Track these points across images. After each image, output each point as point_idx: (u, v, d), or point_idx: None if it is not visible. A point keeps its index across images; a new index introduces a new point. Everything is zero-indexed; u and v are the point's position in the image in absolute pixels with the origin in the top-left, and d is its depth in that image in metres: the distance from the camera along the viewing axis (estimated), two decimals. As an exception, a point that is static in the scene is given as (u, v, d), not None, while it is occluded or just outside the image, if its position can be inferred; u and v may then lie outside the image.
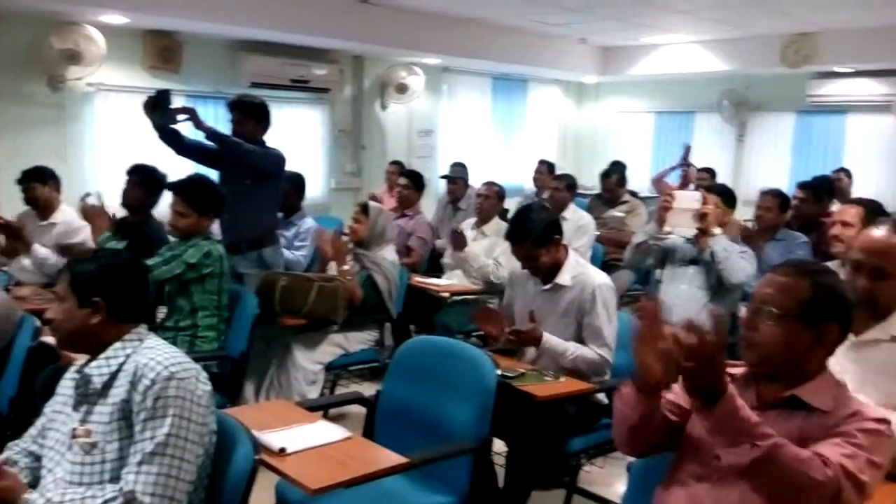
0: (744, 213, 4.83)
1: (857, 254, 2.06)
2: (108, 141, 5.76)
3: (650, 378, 1.55)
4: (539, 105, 9.16)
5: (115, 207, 3.94)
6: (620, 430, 1.70)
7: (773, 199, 4.25)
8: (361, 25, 6.33)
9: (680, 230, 3.72)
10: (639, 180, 7.29)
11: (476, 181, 5.78)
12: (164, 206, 3.99)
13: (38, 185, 4.20)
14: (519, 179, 8.39)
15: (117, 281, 1.80)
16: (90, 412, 1.72)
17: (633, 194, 6.28)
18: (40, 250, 3.88)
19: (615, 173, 5.99)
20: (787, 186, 6.14)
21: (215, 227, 3.76)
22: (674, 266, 3.80)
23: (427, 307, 4.47)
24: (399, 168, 6.30)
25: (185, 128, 3.85)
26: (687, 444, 1.65)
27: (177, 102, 3.97)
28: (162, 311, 3.35)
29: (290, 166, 4.23)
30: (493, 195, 4.86)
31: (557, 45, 7.99)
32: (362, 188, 7.25)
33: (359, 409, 2.65)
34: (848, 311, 1.61)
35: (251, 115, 3.94)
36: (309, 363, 3.64)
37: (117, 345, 1.76)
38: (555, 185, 5.51)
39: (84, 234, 4.04)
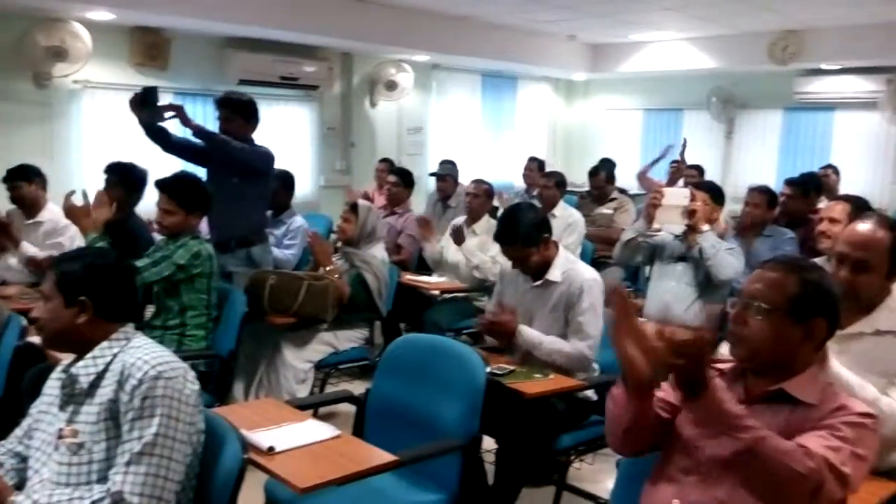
0: (732, 210, 4.85)
1: (841, 246, 2.09)
2: (94, 139, 5.72)
3: (636, 374, 1.55)
4: (529, 102, 9.17)
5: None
6: (615, 432, 1.71)
7: (761, 196, 4.27)
8: (351, 22, 6.31)
9: (669, 227, 3.73)
10: (628, 177, 7.31)
11: (466, 179, 5.78)
12: (149, 205, 3.98)
13: (24, 183, 4.17)
14: (509, 177, 8.39)
15: (104, 280, 1.79)
16: (77, 412, 1.71)
17: (622, 191, 6.30)
18: (28, 248, 3.85)
19: (603, 170, 6.00)
20: (774, 183, 6.19)
21: (203, 226, 3.74)
22: (662, 263, 3.82)
23: (417, 305, 4.47)
24: (389, 166, 6.29)
25: (173, 125, 3.82)
26: (675, 439, 1.66)
27: (164, 100, 3.95)
28: (150, 310, 3.33)
29: (279, 164, 4.22)
30: (483, 193, 4.86)
31: (547, 42, 8.00)
32: (352, 186, 7.23)
33: (348, 408, 2.65)
34: (836, 306, 1.63)
35: (239, 113, 3.91)
36: (298, 362, 3.63)
37: (104, 344, 1.75)
38: (544, 182, 5.52)
39: (70, 233, 4.01)
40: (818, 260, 2.46)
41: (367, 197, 5.82)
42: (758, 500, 1.46)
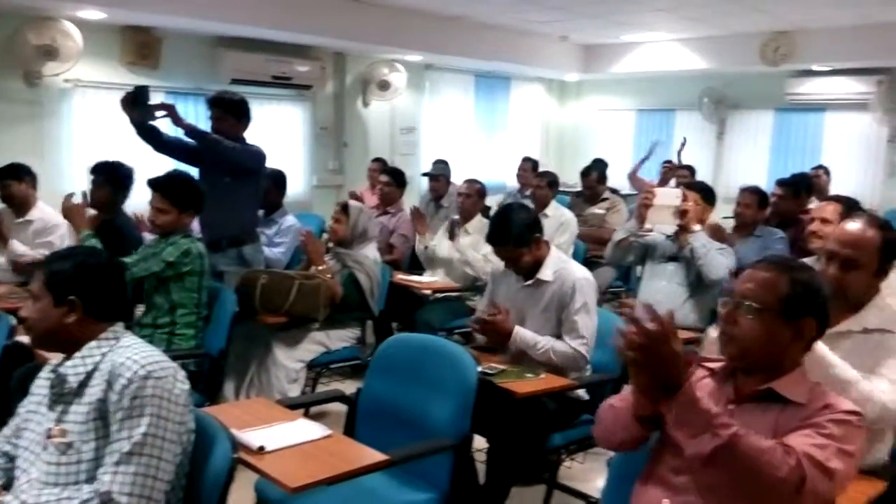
0: (723, 210, 4.87)
1: (831, 244, 2.11)
2: (85, 138, 5.69)
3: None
4: (521, 103, 9.18)
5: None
6: (608, 443, 1.74)
7: (752, 196, 4.29)
8: (344, 22, 6.30)
9: (660, 227, 3.74)
10: (620, 178, 7.33)
11: (459, 179, 5.78)
12: (137, 203, 3.97)
13: (14, 182, 4.15)
14: (502, 177, 8.40)
15: (93, 279, 1.78)
16: (66, 412, 1.70)
17: (614, 191, 6.32)
18: (18, 246, 3.83)
19: (595, 170, 6.01)
20: (766, 183, 6.22)
21: (195, 225, 3.73)
22: (654, 263, 3.83)
23: (409, 304, 4.47)
24: (381, 165, 6.28)
25: (165, 124, 3.81)
26: (665, 439, 1.67)
27: (156, 99, 3.94)
28: (140, 309, 3.32)
29: (271, 163, 4.21)
30: (474, 193, 4.86)
31: (540, 42, 8.01)
32: (344, 185, 7.23)
33: (340, 407, 2.65)
34: (826, 306, 1.64)
35: (231, 112, 3.91)
36: (290, 361, 3.63)
37: (93, 344, 1.74)
38: (537, 182, 5.54)
39: (60, 232, 4.00)
40: (808, 260, 2.47)
41: (357, 197, 5.83)
42: (743, 498, 1.46)
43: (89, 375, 1.70)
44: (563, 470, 3.03)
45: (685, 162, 7.17)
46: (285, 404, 2.44)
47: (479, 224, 4.71)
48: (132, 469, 1.60)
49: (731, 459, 1.40)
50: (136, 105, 3.64)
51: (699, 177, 6.71)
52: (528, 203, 5.12)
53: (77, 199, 3.37)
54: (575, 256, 4.99)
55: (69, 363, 1.73)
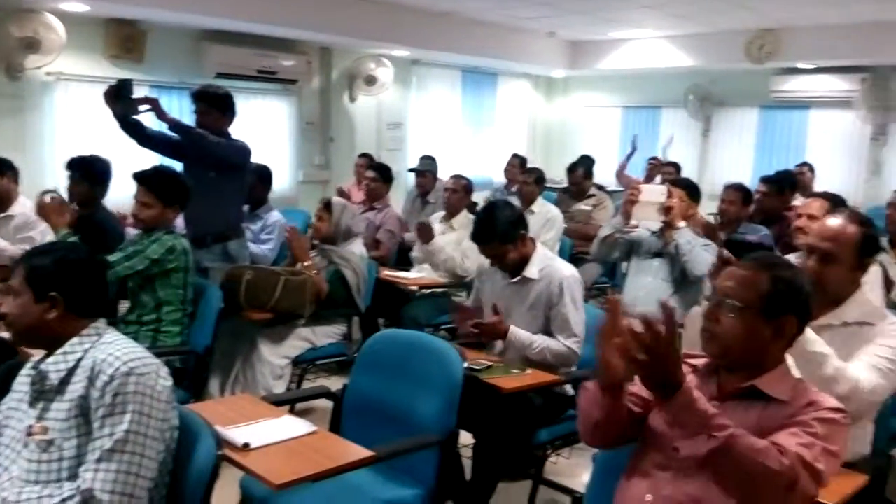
0: (708, 207, 4.90)
1: (811, 238, 2.15)
2: (68, 132, 5.63)
3: (613, 376, 1.57)
4: (509, 98, 9.18)
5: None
6: (585, 426, 1.72)
7: (737, 193, 4.32)
8: (330, 16, 6.27)
9: (646, 223, 3.76)
10: (606, 174, 7.35)
11: (445, 174, 5.78)
12: (120, 197, 3.94)
13: (-5, 176, 4.09)
14: (488, 173, 8.40)
15: (75, 275, 1.76)
16: (47, 409, 1.68)
17: (600, 188, 6.33)
18: (-1, 242, 3.79)
19: (581, 167, 6.03)
20: (750, 180, 6.26)
21: (179, 221, 3.70)
22: (639, 259, 3.85)
23: (395, 300, 4.46)
24: (368, 161, 6.27)
25: (149, 118, 3.78)
26: (649, 435, 1.68)
27: (140, 93, 3.89)
28: (124, 305, 3.29)
29: (256, 158, 4.18)
30: (461, 188, 4.86)
31: (527, 38, 8.01)
32: (331, 181, 7.20)
33: (326, 404, 2.64)
34: (807, 304, 1.65)
35: (216, 106, 3.88)
36: (275, 357, 3.61)
37: (75, 340, 1.73)
38: (523, 178, 5.54)
39: (42, 227, 3.94)
40: (792, 256, 2.49)
41: (344, 193, 5.81)
42: (733, 496, 1.47)
43: (71, 372, 1.69)
44: (549, 465, 3.04)
45: (670, 159, 7.21)
46: (270, 401, 2.43)
47: (464, 220, 4.71)
48: (114, 466, 1.59)
49: (727, 461, 1.41)
50: (120, 99, 3.60)
51: (684, 173, 6.74)
52: (515, 199, 5.13)
53: (54, 196, 3.33)
54: (561, 253, 5.00)
55: (50, 360, 1.72)
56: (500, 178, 7.50)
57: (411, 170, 6.22)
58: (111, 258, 3.05)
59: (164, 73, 6.04)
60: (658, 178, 6.50)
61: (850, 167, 7.59)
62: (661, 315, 1.43)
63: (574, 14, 6.87)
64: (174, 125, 3.71)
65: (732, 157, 8.32)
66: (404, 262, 4.96)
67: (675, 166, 6.95)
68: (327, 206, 3.90)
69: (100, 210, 3.83)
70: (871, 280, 2.88)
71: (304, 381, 3.88)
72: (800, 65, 7.43)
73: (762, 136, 8.19)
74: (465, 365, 2.50)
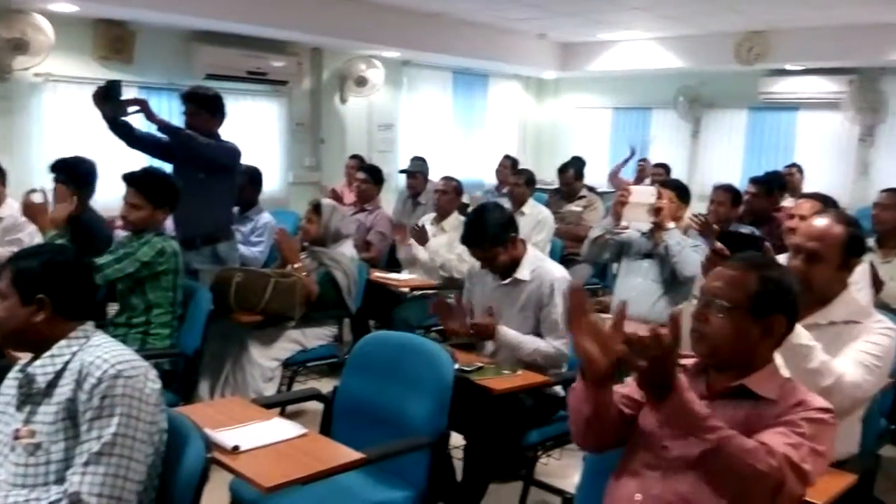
0: (698, 208, 4.92)
1: (797, 238, 2.17)
2: (56, 133, 5.59)
3: (594, 367, 1.57)
4: (499, 100, 9.19)
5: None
6: (577, 426, 1.72)
7: (726, 194, 4.35)
8: (320, 17, 6.26)
9: (636, 224, 3.77)
10: (596, 175, 7.37)
11: (436, 176, 5.78)
12: (110, 199, 3.90)
13: (-18, 178, 4.06)
14: (479, 174, 8.41)
15: (62, 277, 1.75)
16: (34, 412, 1.67)
17: (591, 189, 6.35)
18: (-15, 244, 3.75)
19: (572, 168, 6.04)
20: (739, 181, 6.28)
21: (168, 223, 3.68)
22: (629, 260, 3.87)
23: (386, 302, 4.46)
24: (359, 162, 6.25)
25: (138, 120, 3.76)
26: (639, 435, 1.68)
27: (129, 94, 3.88)
28: (113, 308, 3.27)
29: (246, 160, 4.17)
30: (451, 190, 4.86)
31: (517, 40, 8.02)
32: (321, 182, 7.18)
33: (316, 406, 2.63)
34: (795, 303, 1.67)
35: (205, 107, 3.86)
36: (265, 360, 3.60)
37: (62, 343, 1.71)
38: (514, 180, 5.55)
39: (30, 229, 3.91)
40: (782, 257, 2.51)
41: (335, 194, 5.80)
42: (721, 496, 1.48)
43: (58, 375, 1.68)
44: (540, 466, 3.04)
45: (660, 160, 7.24)
46: (261, 403, 2.42)
47: (455, 221, 4.71)
48: (102, 469, 1.57)
49: (718, 461, 1.42)
50: (108, 100, 3.58)
51: (674, 175, 6.77)
52: (506, 201, 5.14)
53: (37, 197, 3.30)
54: (552, 254, 5.01)
55: (38, 363, 1.71)
56: (490, 180, 7.51)
57: (402, 171, 6.22)
58: (100, 261, 3.03)
59: (154, 75, 6.01)
60: (648, 180, 6.53)
61: (839, 168, 7.65)
62: (668, 322, 1.43)
63: (564, 16, 6.89)
64: (163, 127, 3.70)
65: (722, 158, 8.36)
66: (395, 263, 4.96)
67: (665, 168, 6.97)
68: (316, 208, 3.89)
69: (87, 212, 3.81)
70: (860, 280, 2.90)
71: (294, 384, 3.87)
72: (788, 66, 7.47)
73: (751, 138, 8.23)
74: (456, 366, 2.50)
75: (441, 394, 2.31)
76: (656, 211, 3.64)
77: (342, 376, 2.58)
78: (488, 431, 2.67)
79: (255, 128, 6.77)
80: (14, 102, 5.45)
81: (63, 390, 1.65)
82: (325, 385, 3.36)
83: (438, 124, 8.47)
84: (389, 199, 6.39)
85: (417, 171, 5.92)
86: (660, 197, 3.67)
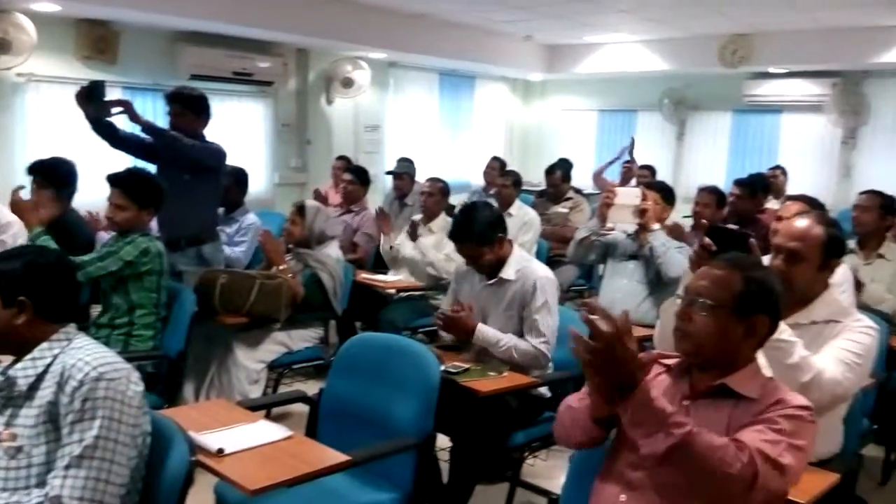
0: (683, 210, 4.95)
1: (779, 238, 2.20)
2: (39, 133, 5.54)
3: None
4: (486, 102, 9.21)
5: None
6: (565, 441, 1.76)
7: (711, 196, 4.38)
8: (306, 18, 6.24)
9: (621, 226, 3.79)
10: (582, 177, 7.40)
11: (423, 177, 5.77)
12: (94, 200, 3.87)
13: (-36, 178, 4.02)
14: (466, 175, 8.42)
15: (44, 279, 1.73)
16: (15, 415, 1.66)
17: (577, 191, 6.37)
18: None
19: (559, 169, 6.06)
20: (724, 183, 6.33)
21: (153, 224, 3.65)
22: (615, 261, 3.88)
23: (373, 304, 4.45)
24: (345, 164, 6.24)
25: (122, 120, 3.73)
26: (622, 436, 1.69)
27: (113, 94, 3.85)
28: (96, 310, 3.24)
29: (232, 161, 4.15)
30: (437, 192, 4.86)
31: (504, 42, 8.04)
32: (308, 184, 7.16)
33: (302, 408, 2.62)
34: (778, 304, 1.68)
35: (190, 108, 3.84)
36: (251, 362, 3.58)
37: (44, 345, 1.70)
38: (502, 181, 5.56)
39: (13, 231, 3.87)
40: (766, 258, 2.53)
41: (321, 195, 5.78)
42: (698, 493, 1.49)
43: (40, 378, 1.66)
44: (526, 467, 3.05)
45: (645, 162, 7.27)
46: (246, 406, 2.41)
47: (442, 223, 4.71)
48: (83, 473, 1.56)
49: (685, 458, 1.42)
50: (92, 100, 3.55)
51: (659, 177, 6.80)
52: (493, 202, 5.14)
53: (25, 194, 3.28)
54: (538, 255, 5.02)
55: (19, 365, 1.69)
56: (477, 181, 7.52)
57: (389, 172, 6.21)
58: (84, 258, 3.01)
59: (138, 75, 5.97)
60: (633, 182, 6.56)
61: (822, 170, 7.73)
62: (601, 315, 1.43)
63: (551, 18, 6.91)
64: (148, 128, 3.67)
65: (706, 160, 8.42)
66: (381, 265, 4.95)
67: (651, 169, 7.01)
68: (300, 210, 3.87)
69: (70, 213, 3.77)
70: (843, 282, 2.93)
71: (280, 386, 3.85)
72: (772, 69, 7.54)
73: (735, 140, 8.30)
74: (442, 368, 2.50)
75: (427, 395, 2.31)
76: (641, 212, 3.65)
77: (328, 378, 2.57)
78: (474, 433, 2.67)
79: (240, 129, 6.74)
80: (-4, 102, 5.40)
81: (44, 393, 1.64)
82: (311, 387, 3.35)
83: (425, 126, 8.47)
84: (376, 201, 6.38)
85: (404, 172, 5.91)
86: (645, 199, 3.69)
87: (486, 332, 2.90)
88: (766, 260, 2.20)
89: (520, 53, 8.33)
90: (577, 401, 1.74)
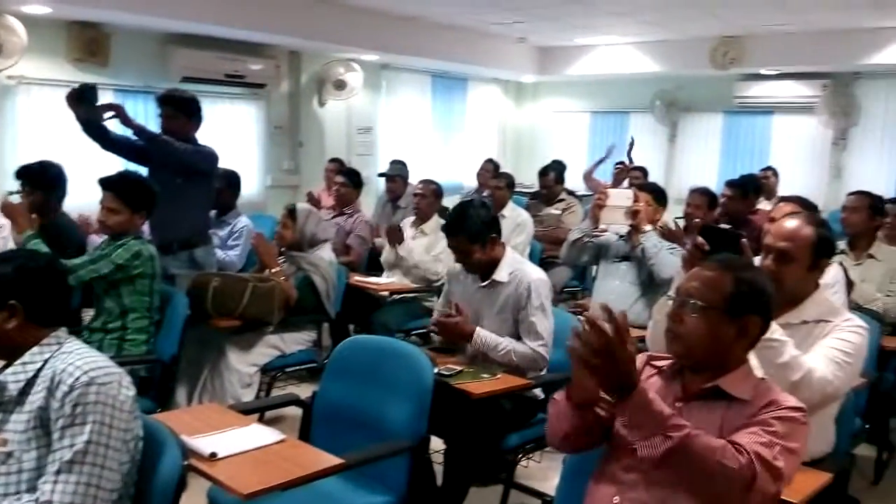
0: (674, 211, 4.97)
1: (769, 238, 2.21)
2: (30, 136, 5.51)
3: (585, 396, 1.59)
4: (479, 104, 9.22)
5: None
6: (554, 437, 1.75)
7: (702, 197, 4.40)
8: (298, 20, 6.23)
9: (613, 227, 3.80)
10: (575, 179, 7.41)
11: (416, 179, 5.77)
12: (86, 203, 3.85)
13: (-46, 182, 3.99)
14: (459, 178, 8.42)
15: (35, 283, 1.72)
16: (6, 420, 1.64)
17: (570, 193, 6.39)
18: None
19: (553, 171, 6.07)
20: (716, 185, 6.36)
21: (145, 227, 3.64)
22: (607, 262, 3.89)
23: (366, 306, 4.45)
24: (338, 166, 6.23)
25: (113, 123, 3.71)
26: (616, 438, 1.69)
27: (105, 97, 3.84)
28: (88, 314, 3.22)
29: (224, 164, 4.13)
30: (430, 194, 4.86)
31: (496, 44, 8.05)
32: (300, 186, 7.14)
33: (296, 412, 2.61)
34: (769, 305, 1.69)
35: (182, 111, 3.83)
36: (243, 365, 3.56)
37: (35, 350, 1.69)
38: (495, 183, 5.57)
39: (2, 234, 3.86)
40: (757, 259, 2.54)
41: (314, 198, 5.77)
42: (694, 497, 1.49)
43: (30, 383, 1.65)
44: (520, 469, 3.05)
45: (637, 163, 7.29)
46: (239, 409, 2.40)
47: (435, 224, 4.71)
48: (74, 478, 1.55)
49: (684, 460, 1.43)
50: (83, 102, 3.54)
51: (651, 178, 6.82)
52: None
53: (18, 199, 3.27)
54: (531, 256, 5.03)
55: (9, 370, 1.68)
56: (470, 183, 7.51)
57: (381, 175, 6.21)
58: (76, 261, 3.00)
59: (129, 77, 5.95)
60: (625, 183, 6.57)
61: (813, 171, 7.76)
62: (606, 316, 1.43)
63: (543, 20, 6.92)
64: (140, 131, 3.66)
65: (698, 161, 8.45)
66: (375, 267, 4.95)
67: (643, 171, 7.03)
68: (291, 213, 3.86)
69: (61, 216, 3.75)
70: (834, 282, 2.95)
71: (273, 389, 3.84)
72: (763, 71, 7.58)
73: (727, 141, 8.33)
74: (436, 370, 2.50)
75: (421, 398, 2.31)
76: (633, 214, 3.67)
77: (321, 381, 2.57)
78: (468, 435, 2.67)
79: (232, 131, 6.72)
80: (-14, 105, 5.37)
81: (35, 398, 1.63)
82: (304, 390, 3.33)
83: (418, 128, 8.47)
84: (369, 203, 6.38)
85: (397, 174, 5.91)
86: (637, 200, 3.70)
87: (486, 336, 2.90)
88: (757, 261, 2.21)
89: (512, 55, 8.34)
90: (559, 394, 1.74)
